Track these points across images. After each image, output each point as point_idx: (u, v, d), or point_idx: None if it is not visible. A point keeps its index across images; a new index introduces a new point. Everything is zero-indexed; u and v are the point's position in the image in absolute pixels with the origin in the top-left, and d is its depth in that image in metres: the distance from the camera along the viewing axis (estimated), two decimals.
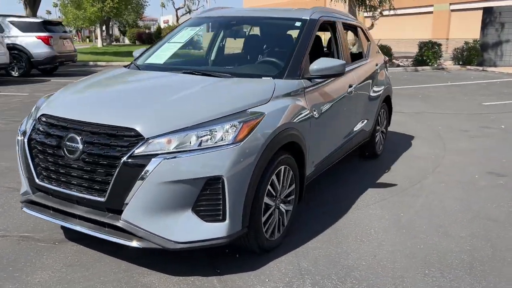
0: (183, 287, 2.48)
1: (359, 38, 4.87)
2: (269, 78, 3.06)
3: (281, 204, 2.94)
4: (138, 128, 2.35)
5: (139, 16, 52.65)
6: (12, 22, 13.80)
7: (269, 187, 2.71)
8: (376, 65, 4.88)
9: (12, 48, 13.33)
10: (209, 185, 2.35)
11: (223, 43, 4.30)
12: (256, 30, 4.26)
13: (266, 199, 2.71)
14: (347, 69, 3.98)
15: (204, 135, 2.38)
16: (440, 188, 4.27)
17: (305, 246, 3.00)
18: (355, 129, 4.25)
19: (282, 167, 2.84)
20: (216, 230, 2.41)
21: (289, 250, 2.93)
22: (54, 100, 2.89)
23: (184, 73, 3.25)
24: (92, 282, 2.51)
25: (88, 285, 2.47)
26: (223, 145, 2.38)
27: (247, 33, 4.28)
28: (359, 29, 4.86)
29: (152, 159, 2.28)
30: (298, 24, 3.63)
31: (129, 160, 2.30)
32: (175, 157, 2.30)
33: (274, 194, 2.81)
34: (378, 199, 3.92)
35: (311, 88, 3.26)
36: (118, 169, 2.31)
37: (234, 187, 2.40)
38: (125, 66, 3.74)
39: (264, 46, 3.87)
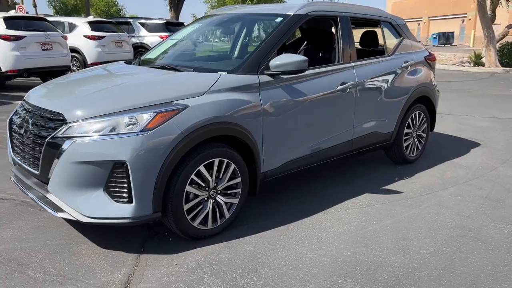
0: (100, 257, 2.77)
1: (382, 33, 4.54)
2: (219, 72, 3.16)
3: (219, 196, 3.03)
4: (64, 113, 2.71)
5: None
6: (141, 24, 15.82)
7: (194, 177, 2.82)
8: (405, 62, 4.50)
9: (140, 47, 15.28)
10: (116, 168, 2.59)
11: (213, 40, 4.45)
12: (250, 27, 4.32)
13: (191, 189, 2.83)
14: (343, 66, 3.84)
15: (119, 123, 2.62)
16: (451, 201, 3.80)
17: (239, 240, 3.04)
18: (357, 129, 4.02)
19: (216, 160, 2.93)
20: (123, 211, 2.63)
21: (219, 241, 3.01)
22: (35, 89, 3.43)
23: (153, 67, 3.53)
24: (38, 243, 2.95)
25: (33, 245, 2.92)
26: (131, 132, 2.59)
27: (235, 30, 4.36)
28: (384, 24, 4.53)
29: (66, 140, 2.61)
30: (278, 20, 3.62)
31: (51, 140, 2.67)
32: (86, 141, 2.59)
33: (204, 185, 2.92)
34: (364, 205, 3.68)
35: (270, 85, 3.25)
36: (43, 147, 2.70)
37: (139, 172, 2.59)
38: (125, 62, 4.14)
39: (246, 43, 3.93)
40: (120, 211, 2.64)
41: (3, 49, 9.40)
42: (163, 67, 3.46)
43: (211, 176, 2.94)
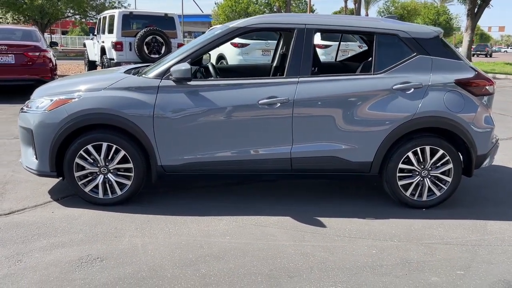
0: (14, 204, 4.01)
1: (374, 48, 3.81)
2: (129, 74, 3.85)
3: (110, 174, 3.74)
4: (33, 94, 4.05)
5: None
6: None
7: (82, 153, 3.66)
8: (404, 83, 3.70)
9: None
10: (31, 133, 3.74)
11: None
12: None
13: (80, 161, 3.68)
14: (281, 80, 3.76)
15: (37, 103, 3.76)
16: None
17: (107, 214, 3.65)
18: (298, 149, 3.72)
19: (105, 143, 3.66)
20: (34, 165, 3.76)
21: (104, 209, 3.71)
22: None
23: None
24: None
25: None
26: (38, 111, 3.69)
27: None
28: (382, 37, 3.82)
29: (20, 113, 3.93)
30: (217, 32, 3.88)
31: (20, 111, 4.04)
32: (23, 112, 3.86)
33: (93, 161, 3.70)
34: (288, 226, 3.51)
35: (171, 89, 3.65)
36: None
37: (39, 139, 3.66)
38: None
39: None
40: (33, 164, 3.79)
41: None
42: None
43: (99, 155, 3.69)
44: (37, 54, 9.46)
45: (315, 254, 3.05)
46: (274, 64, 5.22)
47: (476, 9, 22.20)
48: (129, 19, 11.38)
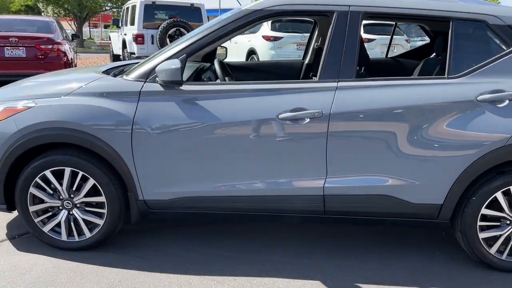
0: None
1: (450, 40, 2.62)
2: (100, 75, 2.83)
3: (75, 210, 2.76)
4: None
5: None
6: None
7: (39, 180, 2.69)
8: (492, 92, 2.51)
9: None
10: None
11: None
12: None
13: (37, 192, 2.71)
14: (312, 85, 2.65)
15: None
16: None
17: (81, 265, 2.67)
18: (336, 182, 2.62)
19: (68, 169, 2.67)
20: None
21: (62, 257, 2.73)
22: None
23: None
24: None
25: None
26: None
27: None
28: (462, 24, 2.62)
29: None
30: (224, 17, 2.79)
31: None
32: None
33: (54, 192, 2.73)
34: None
35: (159, 96, 2.62)
36: None
37: None
38: None
39: None
40: None
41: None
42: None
43: (60, 184, 2.71)
44: (50, 47, 8.67)
45: None
46: (306, 61, 4.10)
47: None
48: (152, 9, 10.42)
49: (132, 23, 10.65)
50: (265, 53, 10.55)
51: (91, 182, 2.69)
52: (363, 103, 2.55)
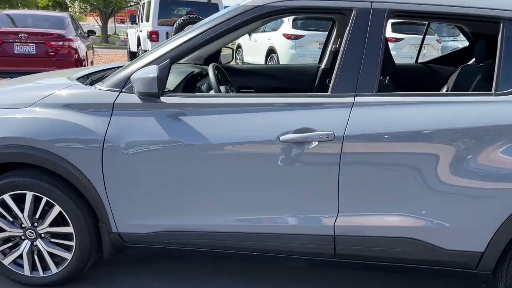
0: None
1: (501, 45, 2.07)
2: (74, 83, 2.38)
3: (39, 240, 2.34)
4: None
5: None
6: None
7: None
8: None
9: None
10: None
11: None
12: None
13: None
14: (323, 100, 2.16)
15: None
16: None
17: None
18: (349, 221, 2.12)
19: (30, 193, 2.25)
20: None
21: None
22: None
23: None
24: None
25: None
26: None
27: None
28: (507, 26, 2.07)
29: None
30: (218, 15, 2.31)
31: None
32: None
33: (14, 219, 2.32)
34: None
35: (136, 109, 2.16)
36: None
37: None
38: None
39: None
40: None
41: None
42: None
43: (21, 211, 2.29)
44: (61, 43, 8.40)
45: None
46: (323, 66, 3.58)
47: None
48: (167, 5, 10.01)
49: (148, 20, 10.28)
50: (285, 52, 9.95)
51: (57, 209, 2.26)
52: (386, 125, 2.03)
